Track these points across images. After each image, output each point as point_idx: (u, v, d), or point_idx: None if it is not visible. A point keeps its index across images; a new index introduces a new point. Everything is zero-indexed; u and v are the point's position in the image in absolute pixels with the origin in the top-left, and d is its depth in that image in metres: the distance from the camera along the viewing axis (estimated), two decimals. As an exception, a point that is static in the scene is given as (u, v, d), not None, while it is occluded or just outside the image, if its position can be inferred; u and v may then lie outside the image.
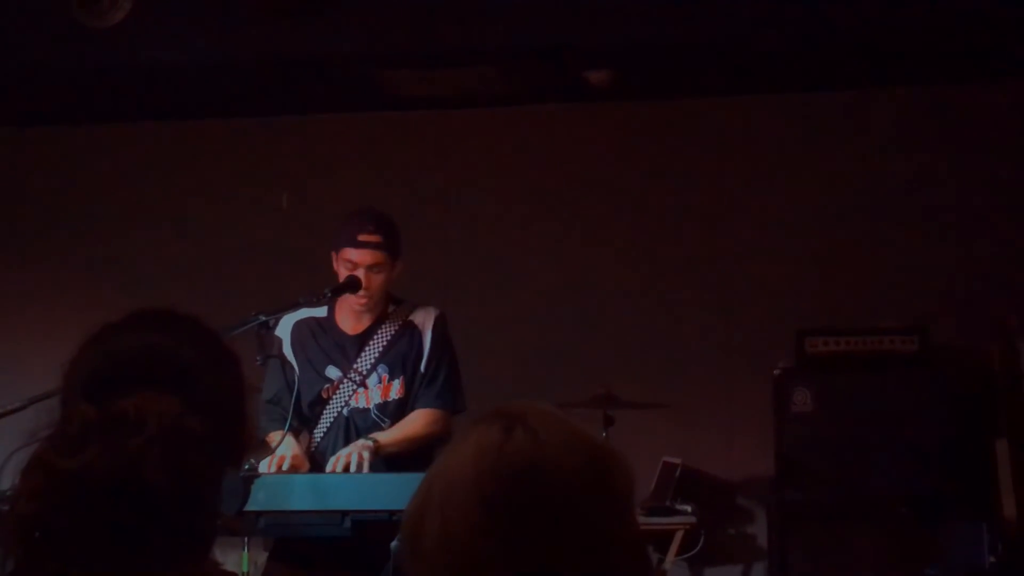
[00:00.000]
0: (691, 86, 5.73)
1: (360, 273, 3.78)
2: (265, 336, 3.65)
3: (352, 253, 3.79)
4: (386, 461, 3.75)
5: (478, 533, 1.25)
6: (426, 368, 3.86)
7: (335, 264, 3.86)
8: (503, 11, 4.86)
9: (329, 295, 3.83)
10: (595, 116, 5.85)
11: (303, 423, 3.90)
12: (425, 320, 3.91)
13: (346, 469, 3.60)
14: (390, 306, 3.92)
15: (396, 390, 3.86)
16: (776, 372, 5.23)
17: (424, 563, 1.28)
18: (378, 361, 3.86)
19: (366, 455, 3.63)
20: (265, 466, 3.62)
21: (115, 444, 1.29)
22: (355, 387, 3.86)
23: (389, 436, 3.77)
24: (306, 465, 3.74)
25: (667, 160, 5.84)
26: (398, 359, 3.86)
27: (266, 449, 3.64)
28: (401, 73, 5.48)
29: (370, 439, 3.70)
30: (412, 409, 3.86)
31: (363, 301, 3.82)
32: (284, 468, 3.62)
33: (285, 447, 3.68)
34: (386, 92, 5.68)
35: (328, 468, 3.65)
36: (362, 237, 3.79)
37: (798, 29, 4.94)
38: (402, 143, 5.97)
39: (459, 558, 1.25)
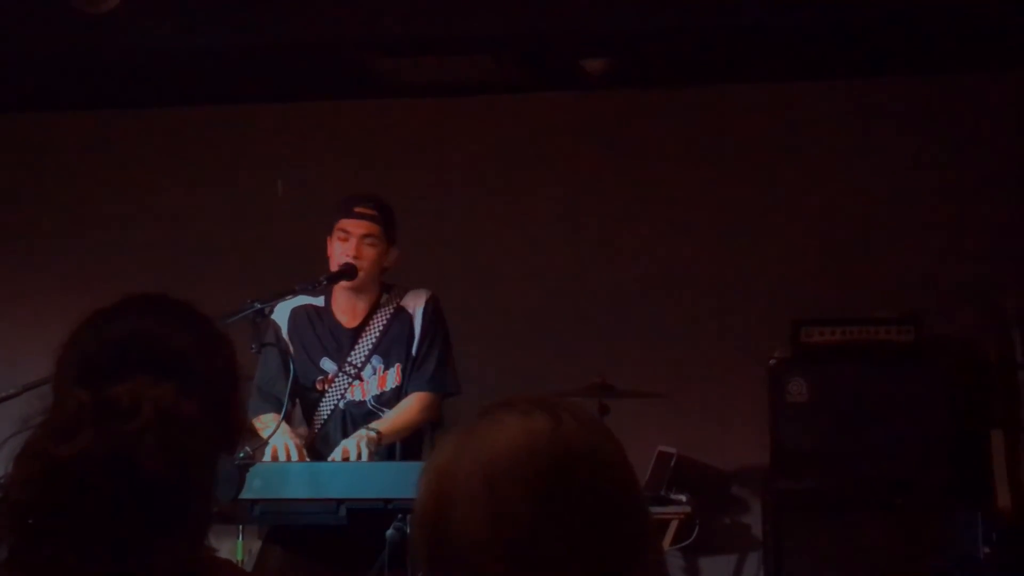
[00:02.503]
0: (688, 75, 5.72)
1: (352, 244, 3.78)
2: (260, 324, 3.63)
3: (346, 223, 3.81)
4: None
5: (538, 509, 1.22)
6: (417, 351, 3.86)
7: (329, 247, 3.85)
8: (499, -2, 4.85)
9: (325, 283, 3.82)
10: (591, 104, 5.84)
11: (294, 409, 3.88)
12: (415, 303, 3.90)
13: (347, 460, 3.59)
14: (383, 294, 3.91)
15: (393, 379, 3.86)
16: (772, 362, 5.23)
17: (461, 543, 1.23)
18: (372, 353, 3.86)
19: (369, 448, 3.61)
20: (269, 456, 3.59)
21: (110, 430, 1.28)
22: (351, 380, 3.85)
23: (388, 424, 3.75)
24: (303, 452, 3.71)
25: (663, 149, 5.83)
26: (391, 347, 3.86)
27: (254, 434, 3.61)
28: (396, 60, 5.46)
29: (372, 430, 3.69)
30: (406, 393, 3.85)
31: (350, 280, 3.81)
32: (281, 458, 3.59)
33: (283, 435, 3.65)
34: (381, 79, 5.66)
35: (332, 458, 3.63)
36: (358, 209, 3.83)
37: (795, 18, 4.92)
38: (397, 131, 5.95)
39: (514, 534, 1.21)
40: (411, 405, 3.83)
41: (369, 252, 3.80)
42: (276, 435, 3.62)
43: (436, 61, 5.45)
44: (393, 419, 3.78)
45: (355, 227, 3.80)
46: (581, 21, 4.94)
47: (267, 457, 3.59)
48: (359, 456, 3.59)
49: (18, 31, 4.91)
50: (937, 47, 5.33)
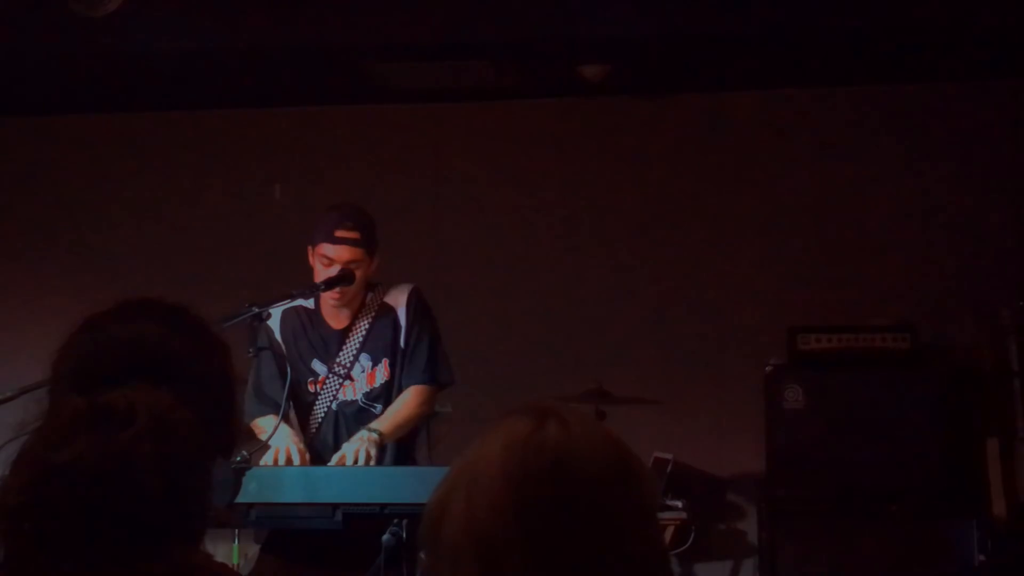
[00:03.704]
0: (685, 81, 5.73)
1: (335, 270, 3.77)
2: (257, 328, 3.63)
3: (329, 249, 3.76)
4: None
5: (504, 518, 1.23)
6: (405, 344, 3.84)
7: (311, 259, 3.84)
8: (497, 4, 4.85)
9: (323, 288, 3.81)
10: (589, 110, 5.85)
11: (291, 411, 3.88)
12: (399, 297, 3.90)
13: (355, 463, 3.59)
14: (368, 294, 3.91)
15: (381, 374, 3.86)
16: (768, 369, 5.23)
17: (445, 550, 1.25)
18: (359, 352, 3.86)
19: (373, 451, 3.62)
20: (271, 458, 3.60)
21: (105, 437, 1.28)
22: (341, 381, 3.85)
23: (387, 424, 3.75)
24: (307, 459, 3.71)
25: (660, 156, 5.84)
26: (378, 344, 3.85)
27: (253, 438, 3.62)
28: (394, 66, 5.47)
29: (373, 431, 3.68)
30: (399, 388, 3.85)
31: (336, 296, 3.81)
32: (281, 461, 3.59)
33: (285, 439, 3.67)
34: (379, 85, 5.67)
35: (334, 463, 3.63)
36: (339, 233, 3.76)
37: (792, 25, 4.93)
38: (395, 136, 5.96)
39: (483, 543, 1.23)
40: (408, 400, 3.83)
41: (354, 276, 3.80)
42: (277, 437, 3.62)
43: (434, 67, 5.46)
44: (392, 417, 3.78)
45: (338, 254, 3.75)
46: (579, 27, 4.95)
47: (268, 460, 3.59)
48: (356, 460, 3.59)
49: (18, 35, 4.91)
50: (935, 55, 5.34)
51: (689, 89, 5.77)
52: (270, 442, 3.61)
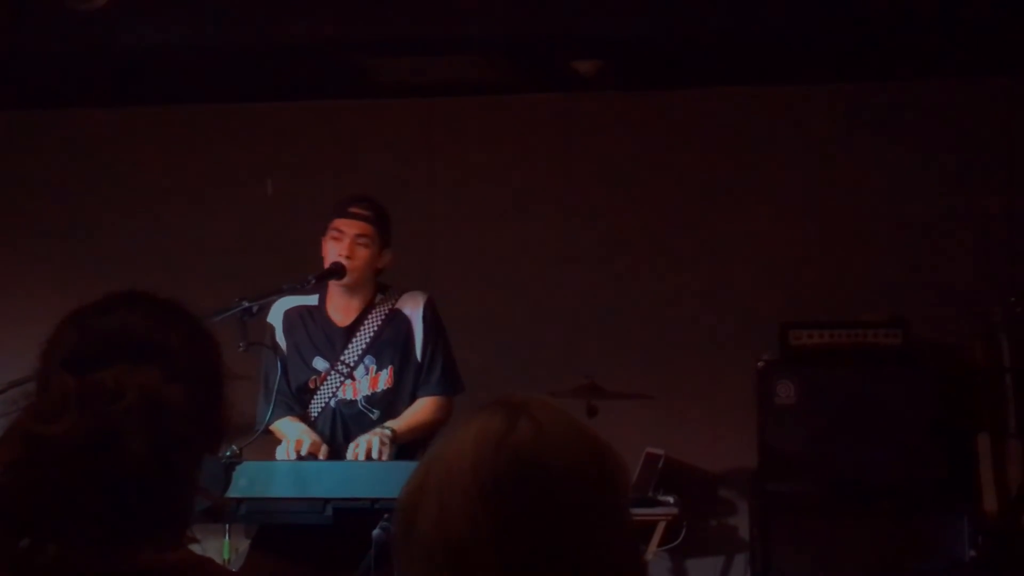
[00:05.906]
0: (678, 77, 5.73)
1: (345, 243, 3.79)
2: (248, 322, 3.63)
3: (340, 222, 3.82)
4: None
5: (474, 519, 1.23)
6: (423, 355, 3.87)
7: (324, 248, 3.86)
8: (491, -1, 4.86)
9: (313, 281, 3.82)
10: (582, 106, 5.84)
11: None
12: (413, 306, 3.90)
13: (368, 455, 3.61)
14: (377, 295, 3.91)
15: (385, 380, 3.86)
16: (760, 364, 5.24)
17: (418, 547, 1.25)
18: (365, 352, 3.86)
19: (386, 443, 3.64)
20: (283, 452, 3.68)
21: (94, 412, 1.28)
22: (342, 379, 3.85)
23: (403, 424, 3.78)
24: (324, 450, 3.74)
25: (653, 151, 5.84)
26: (385, 348, 3.86)
27: (246, 435, 3.64)
28: (389, 61, 5.46)
29: (387, 428, 3.71)
30: (408, 397, 3.87)
31: (348, 283, 3.82)
32: (303, 452, 3.65)
33: (302, 432, 3.72)
34: (374, 80, 5.66)
35: (348, 455, 3.65)
36: (353, 209, 3.85)
37: (785, 22, 4.93)
38: (389, 131, 5.95)
39: (454, 543, 1.23)
40: (425, 407, 3.86)
41: (362, 252, 3.81)
42: (293, 431, 3.72)
43: (427, 61, 5.45)
44: (408, 419, 3.81)
45: (348, 227, 3.81)
46: (572, 22, 4.95)
47: (288, 452, 3.67)
48: (369, 453, 3.61)
49: (7, 29, 4.90)
50: (925, 52, 5.35)
51: (681, 85, 5.77)
52: (287, 435, 3.70)
